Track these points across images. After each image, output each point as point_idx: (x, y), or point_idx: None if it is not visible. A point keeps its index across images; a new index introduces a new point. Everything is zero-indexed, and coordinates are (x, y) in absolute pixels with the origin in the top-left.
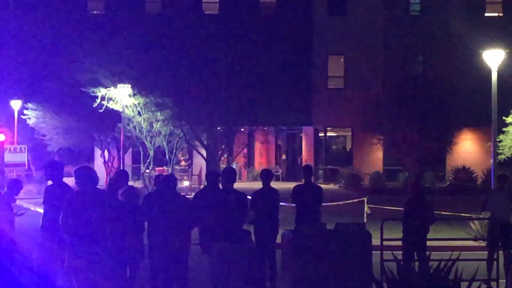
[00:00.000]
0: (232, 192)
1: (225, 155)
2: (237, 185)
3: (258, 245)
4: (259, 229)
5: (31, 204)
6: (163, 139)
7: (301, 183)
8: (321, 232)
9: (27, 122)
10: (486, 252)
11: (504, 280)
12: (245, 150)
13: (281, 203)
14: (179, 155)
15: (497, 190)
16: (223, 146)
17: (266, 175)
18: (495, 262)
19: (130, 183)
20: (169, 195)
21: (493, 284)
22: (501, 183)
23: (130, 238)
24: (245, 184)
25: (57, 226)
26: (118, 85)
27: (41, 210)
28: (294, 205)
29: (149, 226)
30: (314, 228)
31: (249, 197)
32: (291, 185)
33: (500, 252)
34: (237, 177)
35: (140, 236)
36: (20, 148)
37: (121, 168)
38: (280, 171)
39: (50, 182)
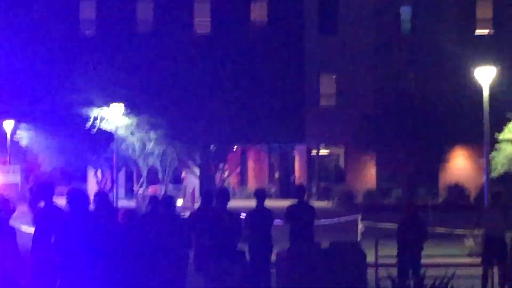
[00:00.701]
0: (226, 212)
1: (221, 173)
2: (230, 204)
3: (253, 265)
4: (254, 248)
5: (23, 225)
6: (156, 159)
7: (295, 202)
8: (316, 251)
9: (20, 143)
10: (481, 268)
11: None
12: (238, 169)
13: (275, 221)
14: (183, 174)
15: (491, 207)
16: (220, 166)
17: (260, 195)
18: (490, 279)
19: (124, 202)
20: (169, 216)
21: None
22: (495, 200)
23: (129, 260)
24: (239, 203)
25: (48, 248)
26: (110, 105)
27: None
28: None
29: (148, 247)
30: (309, 247)
31: (243, 214)
32: (284, 202)
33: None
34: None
35: (139, 259)
36: (13, 169)
37: (114, 187)
38: (274, 189)
39: (42, 204)
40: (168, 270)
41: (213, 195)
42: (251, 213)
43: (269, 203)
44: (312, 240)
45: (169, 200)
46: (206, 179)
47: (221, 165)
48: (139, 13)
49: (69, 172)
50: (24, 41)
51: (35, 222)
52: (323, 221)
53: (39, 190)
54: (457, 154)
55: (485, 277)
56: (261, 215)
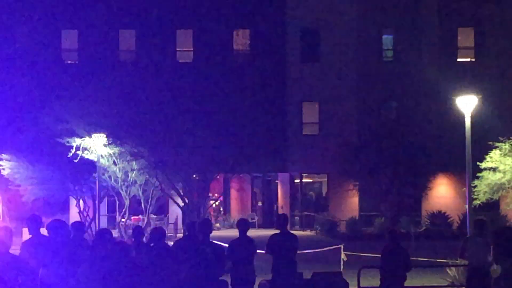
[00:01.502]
0: (208, 244)
1: (203, 203)
2: (213, 234)
3: None
4: (236, 278)
5: None
6: (139, 188)
7: (277, 232)
8: (298, 281)
9: (1, 173)
10: None
11: None
12: (221, 198)
13: (258, 251)
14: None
15: (475, 236)
16: (203, 195)
17: (243, 225)
18: None
19: None
20: (160, 248)
21: None
22: (479, 228)
23: None
24: (221, 232)
25: (36, 281)
26: (93, 135)
27: None
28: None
29: (139, 279)
30: (291, 277)
31: (225, 245)
32: (267, 232)
33: None
34: (213, 225)
35: None
36: None
37: (96, 217)
38: (256, 218)
39: (28, 236)
40: None
41: (196, 225)
42: (233, 243)
43: (252, 232)
44: (294, 270)
45: (160, 231)
46: (188, 209)
47: (203, 195)
48: (122, 42)
49: (51, 202)
50: (5, 70)
51: (22, 254)
52: (305, 251)
53: (27, 222)
54: (440, 183)
55: None
56: (243, 245)
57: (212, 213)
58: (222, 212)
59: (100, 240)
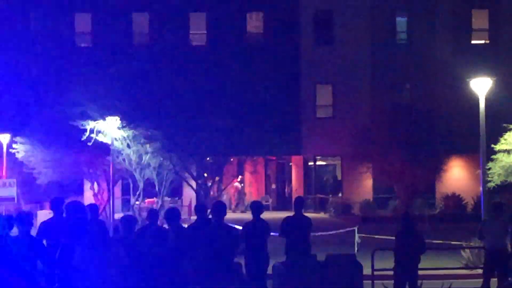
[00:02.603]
0: (222, 226)
1: (217, 186)
2: (226, 216)
3: (249, 277)
4: (250, 261)
5: None
6: (153, 171)
7: (291, 214)
8: (312, 264)
9: (16, 156)
10: (477, 280)
11: None
12: (235, 181)
13: (272, 233)
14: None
15: (492, 218)
16: (217, 178)
17: (257, 208)
18: None
19: (120, 215)
20: (176, 229)
21: None
22: (497, 211)
23: (132, 273)
24: (235, 215)
25: (53, 261)
26: (107, 118)
27: None
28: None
29: (155, 260)
30: (305, 260)
31: (239, 227)
32: (281, 214)
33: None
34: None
35: (145, 271)
36: (9, 182)
37: (111, 200)
38: (270, 200)
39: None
40: (171, 283)
41: (209, 208)
42: (247, 225)
43: (266, 215)
44: (308, 252)
45: (175, 211)
46: (202, 191)
47: (217, 178)
48: (135, 25)
49: (65, 185)
50: (19, 54)
51: (40, 235)
52: (319, 233)
53: (52, 203)
54: (454, 165)
55: None
56: (257, 227)
57: (236, 195)
58: (245, 195)
59: (127, 225)
